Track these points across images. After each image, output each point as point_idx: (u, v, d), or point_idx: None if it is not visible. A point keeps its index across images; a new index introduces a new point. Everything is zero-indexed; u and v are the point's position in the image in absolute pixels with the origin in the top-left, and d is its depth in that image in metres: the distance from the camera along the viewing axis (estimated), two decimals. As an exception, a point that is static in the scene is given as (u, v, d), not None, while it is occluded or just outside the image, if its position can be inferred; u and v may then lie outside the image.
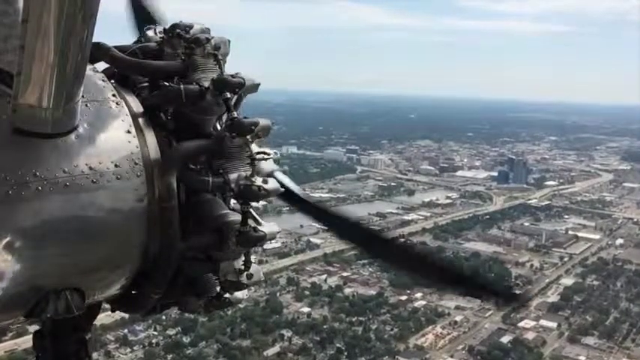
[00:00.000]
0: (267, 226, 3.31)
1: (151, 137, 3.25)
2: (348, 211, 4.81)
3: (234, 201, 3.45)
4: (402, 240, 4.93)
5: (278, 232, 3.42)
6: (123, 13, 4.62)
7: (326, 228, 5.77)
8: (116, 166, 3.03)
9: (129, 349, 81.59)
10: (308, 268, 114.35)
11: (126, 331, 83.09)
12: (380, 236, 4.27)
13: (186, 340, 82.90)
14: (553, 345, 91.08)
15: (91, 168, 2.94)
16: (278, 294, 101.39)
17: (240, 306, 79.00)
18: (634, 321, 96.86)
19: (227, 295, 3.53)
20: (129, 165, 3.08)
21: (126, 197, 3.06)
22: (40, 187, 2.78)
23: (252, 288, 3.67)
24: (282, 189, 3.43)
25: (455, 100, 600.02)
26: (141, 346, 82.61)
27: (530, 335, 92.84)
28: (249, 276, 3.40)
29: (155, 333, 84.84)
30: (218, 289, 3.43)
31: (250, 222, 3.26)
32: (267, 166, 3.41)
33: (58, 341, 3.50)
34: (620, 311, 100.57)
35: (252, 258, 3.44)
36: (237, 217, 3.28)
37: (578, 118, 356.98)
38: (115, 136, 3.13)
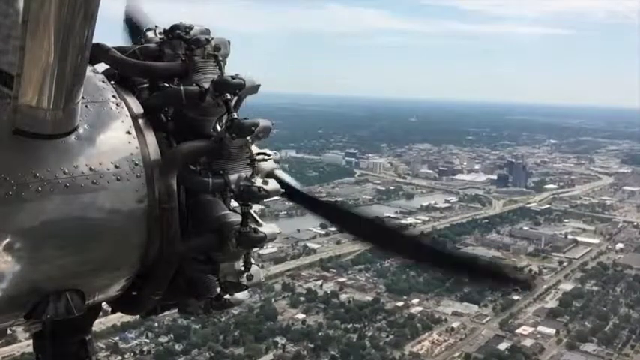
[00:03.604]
0: (268, 227, 3.32)
1: (151, 138, 3.26)
2: (354, 208, 4.85)
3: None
4: (413, 233, 4.94)
5: (278, 234, 3.43)
6: (123, 14, 4.63)
7: (334, 225, 5.69)
8: (116, 167, 3.04)
9: (119, 357, 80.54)
10: (304, 274, 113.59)
11: (117, 338, 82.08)
12: (391, 230, 4.20)
13: (178, 347, 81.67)
14: (551, 352, 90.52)
15: (91, 169, 2.94)
16: (273, 300, 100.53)
17: (234, 312, 78.46)
18: (634, 327, 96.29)
19: (227, 296, 3.53)
20: (129, 166, 3.09)
21: (126, 198, 3.06)
22: (40, 188, 2.78)
23: (251, 291, 3.67)
24: (283, 190, 3.44)
25: (455, 103, 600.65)
26: (132, 354, 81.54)
27: (528, 342, 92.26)
28: (249, 277, 3.41)
29: (147, 340, 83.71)
30: (218, 290, 3.43)
31: (250, 223, 3.27)
32: (268, 165, 3.42)
33: (58, 342, 3.50)
34: (620, 317, 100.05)
35: (252, 259, 3.45)
36: (237, 218, 3.28)
37: (578, 121, 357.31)
38: (115, 137, 3.13)
